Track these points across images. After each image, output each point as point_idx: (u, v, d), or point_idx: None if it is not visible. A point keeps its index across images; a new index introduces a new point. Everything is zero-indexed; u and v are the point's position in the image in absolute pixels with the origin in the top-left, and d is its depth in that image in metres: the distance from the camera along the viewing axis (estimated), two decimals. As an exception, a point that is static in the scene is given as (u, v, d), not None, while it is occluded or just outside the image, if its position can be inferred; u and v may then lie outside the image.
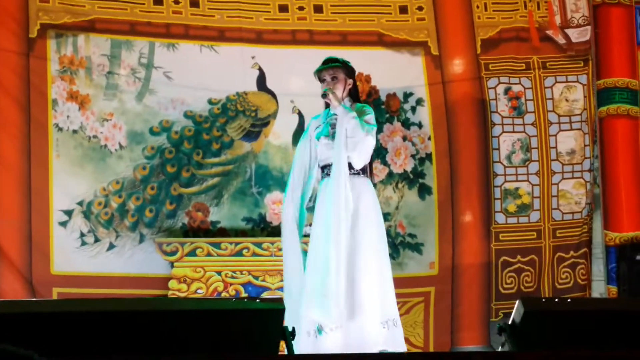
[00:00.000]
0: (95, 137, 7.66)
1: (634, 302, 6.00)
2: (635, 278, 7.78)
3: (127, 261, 7.57)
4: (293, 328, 4.27)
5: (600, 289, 8.11)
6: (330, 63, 6.11)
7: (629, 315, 4.25)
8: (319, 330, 5.68)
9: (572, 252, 8.09)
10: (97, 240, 7.57)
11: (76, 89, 7.67)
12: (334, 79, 6.06)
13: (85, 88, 7.70)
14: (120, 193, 7.66)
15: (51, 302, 5.67)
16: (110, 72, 7.75)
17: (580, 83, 8.26)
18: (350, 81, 6.13)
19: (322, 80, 6.09)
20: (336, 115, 5.96)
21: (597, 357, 3.99)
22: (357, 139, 5.85)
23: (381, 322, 5.73)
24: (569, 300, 4.91)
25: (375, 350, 5.58)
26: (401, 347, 5.79)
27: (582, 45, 8.31)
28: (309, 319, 5.72)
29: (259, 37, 8.04)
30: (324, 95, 6.00)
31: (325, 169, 6.00)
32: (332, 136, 5.94)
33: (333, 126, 5.97)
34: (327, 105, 6.11)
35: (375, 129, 5.97)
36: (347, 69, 6.14)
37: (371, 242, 5.84)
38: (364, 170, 5.97)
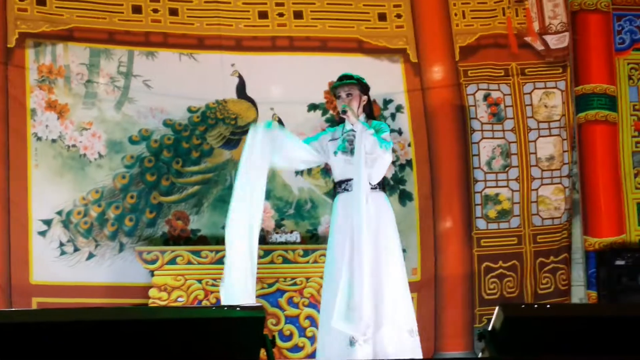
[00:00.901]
0: (74, 146, 7.64)
1: (613, 307, 6.01)
2: (615, 283, 7.81)
3: (107, 270, 7.55)
4: (273, 335, 4.29)
5: (580, 294, 8.14)
6: (345, 80, 6.22)
7: (609, 321, 4.25)
8: (352, 342, 5.78)
9: (552, 257, 8.12)
10: (76, 249, 7.54)
11: (55, 98, 7.64)
12: (348, 96, 6.19)
13: (64, 97, 7.68)
14: (99, 202, 7.63)
15: (31, 312, 5.65)
16: (89, 80, 7.73)
17: (559, 89, 8.30)
18: (364, 98, 6.25)
19: (337, 97, 6.19)
20: (353, 131, 6.06)
21: (577, 362, 4.00)
22: (375, 156, 5.96)
23: (406, 330, 5.90)
24: (548, 306, 4.92)
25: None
26: (419, 355, 5.95)
27: (560, 51, 8.34)
28: (340, 331, 5.82)
29: (239, 44, 8.03)
30: (344, 112, 6.08)
31: (343, 184, 6.11)
32: (351, 152, 6.05)
33: (350, 142, 6.08)
34: (342, 120, 6.22)
35: (391, 145, 6.11)
36: (362, 85, 6.26)
37: (393, 255, 6.01)
38: (380, 185, 6.10)
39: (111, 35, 7.82)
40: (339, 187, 6.14)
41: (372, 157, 5.94)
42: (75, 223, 7.56)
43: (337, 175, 6.16)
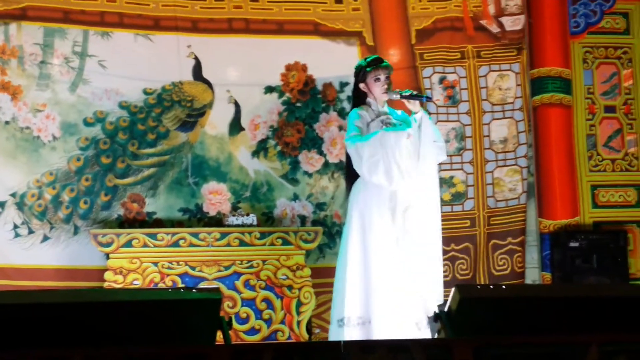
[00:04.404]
0: (28, 128, 7.57)
1: (568, 288, 6.08)
2: (569, 265, 7.89)
3: (62, 253, 7.50)
4: (230, 318, 4.27)
5: (533, 276, 8.20)
6: (387, 63, 6.11)
7: (563, 301, 4.29)
8: (418, 326, 5.82)
9: (510, 239, 8.17)
10: (30, 232, 7.49)
11: (8, 80, 7.57)
12: (387, 79, 6.06)
13: (18, 78, 7.60)
14: (54, 184, 7.57)
15: (-16, 295, 5.60)
16: (43, 61, 7.66)
17: (513, 71, 8.34)
18: None
19: (376, 79, 6.04)
20: (388, 114, 6.03)
21: (532, 342, 4.03)
22: (442, 143, 6.01)
23: None
24: (504, 287, 4.97)
25: None
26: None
27: (515, 33, 8.38)
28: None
29: (195, 26, 7.99)
30: (415, 96, 5.97)
31: None
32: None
33: (390, 124, 5.98)
34: (359, 102, 6.07)
35: None
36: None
37: None
38: None
39: (66, 14, 7.73)
40: None
41: (440, 145, 5.98)
42: (30, 205, 7.50)
43: None
